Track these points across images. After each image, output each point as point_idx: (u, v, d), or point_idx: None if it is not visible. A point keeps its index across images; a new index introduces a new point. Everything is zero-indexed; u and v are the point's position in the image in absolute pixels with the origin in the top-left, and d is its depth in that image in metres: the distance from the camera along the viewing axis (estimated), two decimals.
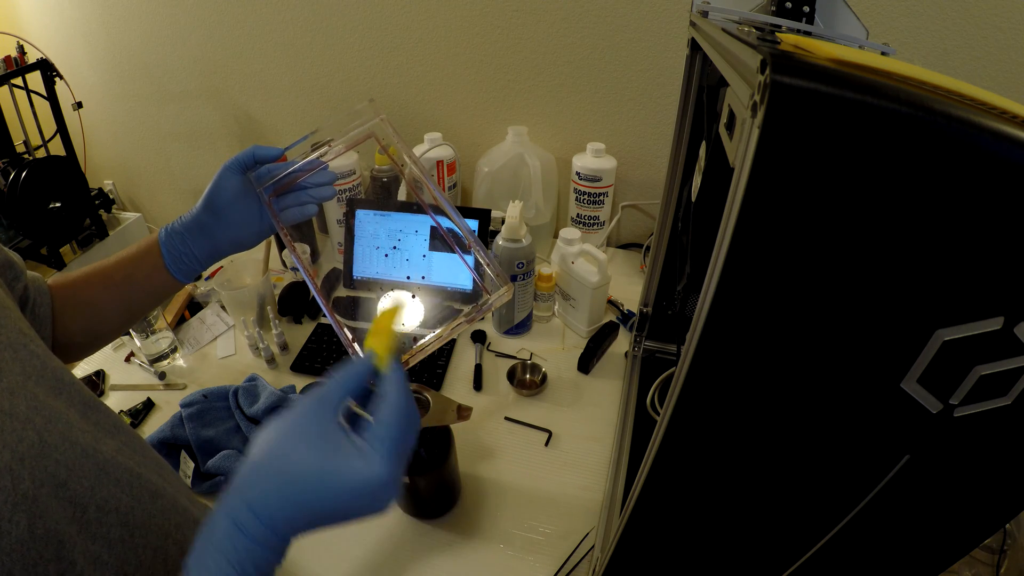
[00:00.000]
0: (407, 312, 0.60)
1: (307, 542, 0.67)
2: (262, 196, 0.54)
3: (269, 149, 0.53)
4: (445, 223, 0.55)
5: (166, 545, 0.44)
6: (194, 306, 1.08)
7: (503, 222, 0.88)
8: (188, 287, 1.09)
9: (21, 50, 1.24)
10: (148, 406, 0.87)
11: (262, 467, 0.33)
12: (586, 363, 0.91)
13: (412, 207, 0.96)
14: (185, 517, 0.48)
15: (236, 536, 0.32)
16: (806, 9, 0.49)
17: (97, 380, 0.92)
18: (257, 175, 0.54)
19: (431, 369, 0.91)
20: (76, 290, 0.55)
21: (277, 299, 1.03)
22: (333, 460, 0.33)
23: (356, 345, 0.45)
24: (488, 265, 0.48)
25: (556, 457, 0.78)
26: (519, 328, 0.98)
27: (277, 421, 0.35)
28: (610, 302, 1.04)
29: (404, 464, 0.35)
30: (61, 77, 1.28)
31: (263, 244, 0.94)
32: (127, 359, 0.97)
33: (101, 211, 1.48)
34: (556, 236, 1.08)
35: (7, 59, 1.22)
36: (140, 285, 0.56)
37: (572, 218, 1.18)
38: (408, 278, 0.97)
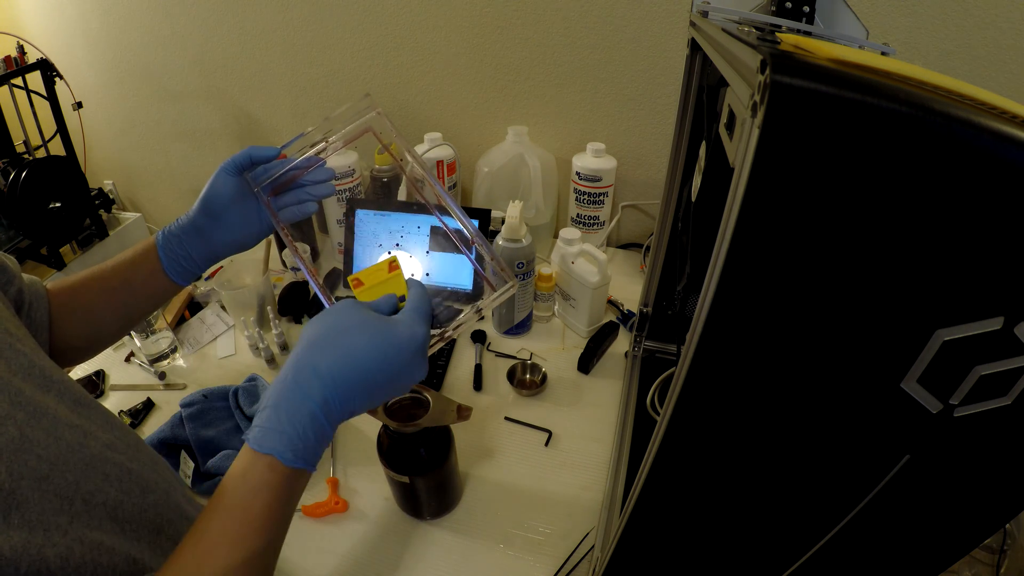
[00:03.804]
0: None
1: (307, 543, 0.68)
2: (260, 195, 0.54)
3: (265, 149, 0.53)
4: (447, 219, 0.55)
5: (159, 540, 0.44)
6: (194, 306, 1.08)
7: (503, 222, 0.88)
8: (188, 287, 1.09)
9: (21, 50, 1.24)
10: (148, 406, 0.87)
11: (326, 344, 0.40)
12: (586, 363, 0.91)
13: (412, 207, 0.96)
14: (178, 513, 0.48)
15: (303, 393, 0.38)
16: (806, 9, 0.49)
17: (97, 380, 0.92)
18: (254, 175, 0.54)
19: (431, 369, 0.91)
20: (74, 295, 0.55)
21: (277, 299, 1.03)
22: (382, 327, 0.41)
23: None
24: (492, 260, 0.48)
25: (556, 457, 0.78)
26: (519, 328, 0.98)
27: (322, 317, 0.42)
28: (610, 302, 1.04)
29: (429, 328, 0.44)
30: (61, 77, 1.28)
31: (263, 244, 0.94)
32: (127, 359, 0.97)
33: (101, 211, 1.48)
34: (556, 236, 1.08)
35: (7, 59, 1.21)
36: (138, 289, 0.56)
37: (572, 218, 1.18)
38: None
